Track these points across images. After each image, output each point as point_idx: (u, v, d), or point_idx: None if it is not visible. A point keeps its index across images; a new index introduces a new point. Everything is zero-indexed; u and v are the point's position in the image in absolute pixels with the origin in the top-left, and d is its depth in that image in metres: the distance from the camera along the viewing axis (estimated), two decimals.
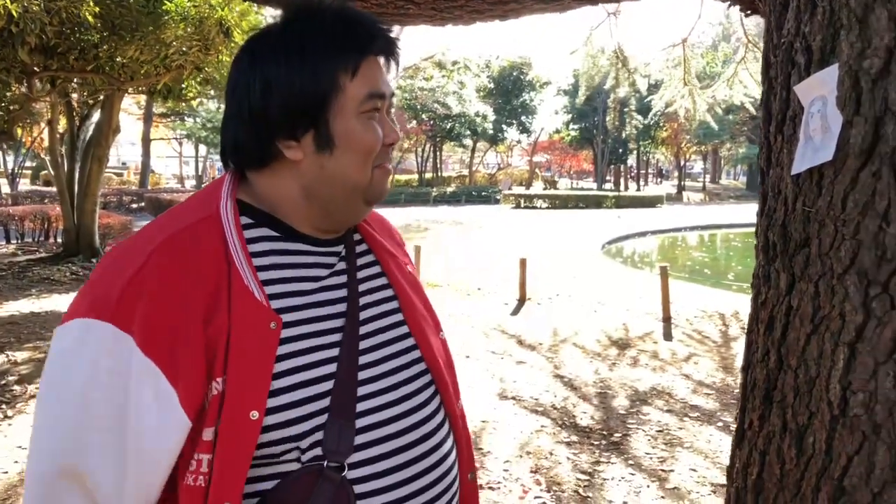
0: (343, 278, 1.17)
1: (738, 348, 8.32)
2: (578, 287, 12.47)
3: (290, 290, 1.09)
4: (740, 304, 10.98)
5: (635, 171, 64.68)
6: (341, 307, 1.14)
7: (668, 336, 8.97)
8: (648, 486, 4.68)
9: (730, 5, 1.88)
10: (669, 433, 5.67)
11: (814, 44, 1.31)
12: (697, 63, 12.14)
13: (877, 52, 1.17)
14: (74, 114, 14.77)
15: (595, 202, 39.32)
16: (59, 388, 0.98)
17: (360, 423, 1.08)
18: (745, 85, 11.07)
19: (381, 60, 1.14)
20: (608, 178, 58.34)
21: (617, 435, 5.60)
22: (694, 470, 4.96)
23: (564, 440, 5.50)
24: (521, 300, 11.20)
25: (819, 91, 1.29)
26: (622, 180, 60.47)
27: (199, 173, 58.20)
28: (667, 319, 9.72)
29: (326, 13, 1.10)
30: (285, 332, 1.05)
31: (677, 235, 27.29)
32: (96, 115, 14.52)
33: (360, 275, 1.21)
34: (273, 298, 1.06)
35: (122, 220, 18.09)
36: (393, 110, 1.20)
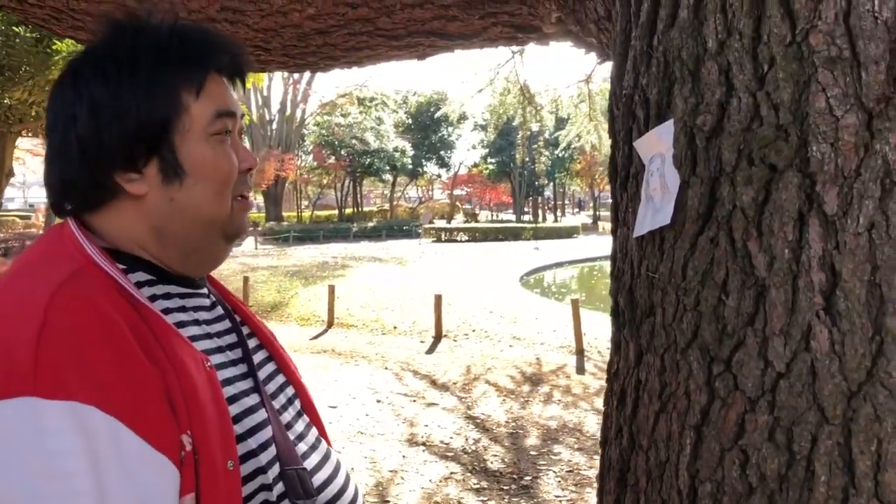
0: (227, 323, 1.07)
1: None
2: (495, 322, 12.42)
3: (195, 333, 0.97)
4: None
5: (552, 203, 65.86)
6: (238, 352, 1.04)
7: (580, 369, 8.97)
8: None
9: (587, 52, 1.81)
10: (579, 473, 5.59)
11: (651, 97, 1.22)
12: (602, 99, 12.39)
13: (709, 107, 1.09)
14: None
15: (514, 234, 39.69)
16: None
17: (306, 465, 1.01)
18: None
19: (229, 82, 1.03)
20: (526, 209, 59.18)
21: (527, 478, 5.48)
22: None
23: (474, 486, 5.35)
24: (437, 337, 11.06)
25: (657, 148, 1.20)
26: (540, 211, 61.44)
27: None
28: (579, 352, 9.74)
29: (160, 26, 0.97)
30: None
31: (594, 265, 27.73)
32: None
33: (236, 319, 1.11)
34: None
35: None
36: (245, 138, 1.08)
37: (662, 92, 1.19)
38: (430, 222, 48.27)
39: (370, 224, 46.36)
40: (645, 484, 1.20)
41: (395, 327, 12.24)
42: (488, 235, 39.33)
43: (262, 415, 0.98)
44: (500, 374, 8.71)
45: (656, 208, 1.19)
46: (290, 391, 1.12)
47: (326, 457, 1.09)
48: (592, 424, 6.74)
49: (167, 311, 0.95)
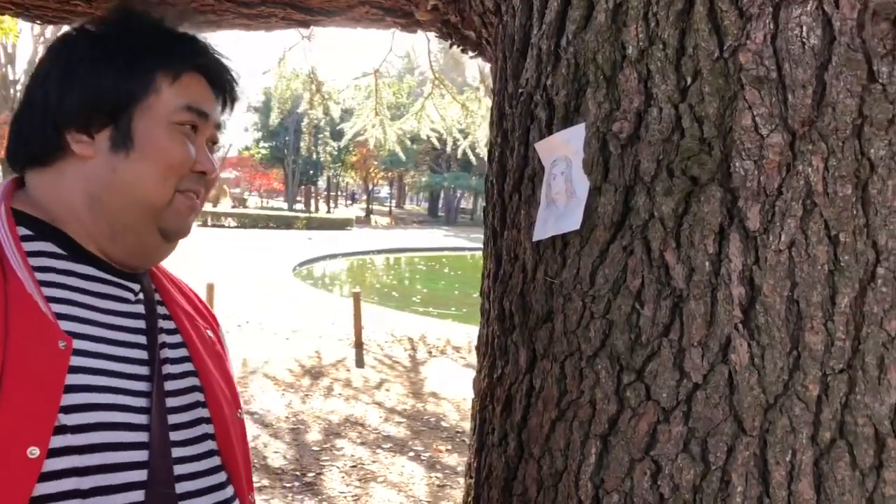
0: (141, 323, 1.00)
1: (427, 372, 8.58)
2: (271, 313, 12.06)
3: (81, 315, 0.92)
4: (427, 327, 11.42)
5: (326, 193, 65.58)
6: (141, 353, 0.97)
7: (360, 363, 8.96)
8: None
9: (451, 44, 1.76)
10: (363, 467, 5.57)
11: (556, 99, 1.19)
12: (386, 93, 12.48)
13: (626, 115, 1.08)
14: None
15: (286, 223, 38.93)
16: None
17: (179, 488, 0.94)
18: (431, 119, 11.63)
19: (211, 89, 1.05)
20: (299, 198, 58.37)
21: (310, 474, 5.35)
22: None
23: (255, 485, 5.12)
24: None
25: (562, 151, 1.18)
26: (313, 201, 60.89)
27: None
28: (359, 345, 9.73)
29: (152, 20, 1.02)
30: (77, 360, 0.86)
31: (367, 258, 27.98)
32: None
33: (162, 326, 1.04)
34: (61, 319, 0.88)
35: None
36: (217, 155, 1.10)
37: (571, 95, 1.17)
38: None
39: None
40: (535, 493, 1.17)
41: None
42: (258, 223, 38.25)
43: (129, 418, 0.90)
44: (279, 368, 8.45)
45: (560, 213, 1.16)
46: (202, 413, 1.03)
47: (214, 489, 1.00)
48: (375, 418, 6.76)
49: (50, 283, 0.91)
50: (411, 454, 5.93)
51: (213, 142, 1.06)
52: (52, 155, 0.96)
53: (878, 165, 0.94)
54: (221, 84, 1.06)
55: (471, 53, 1.68)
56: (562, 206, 1.16)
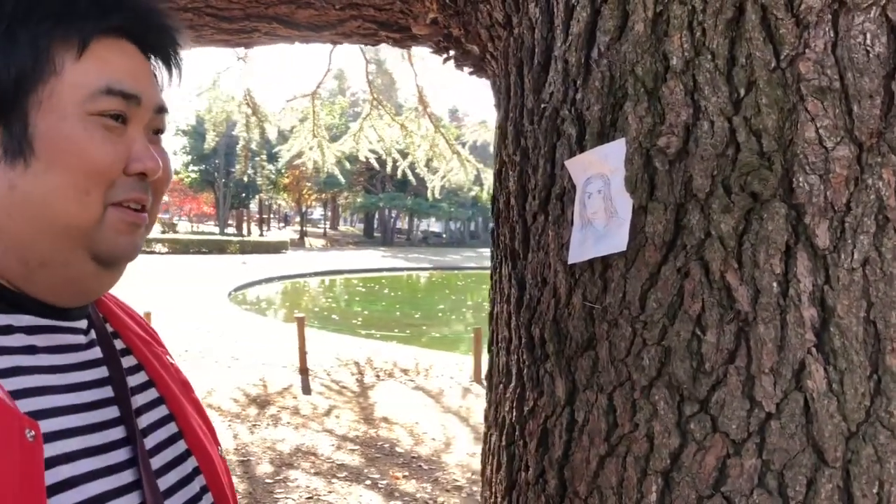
0: (102, 371, 0.77)
1: (376, 397, 8.41)
2: (211, 340, 11.69)
3: (35, 384, 0.68)
4: (372, 350, 11.24)
5: (258, 216, 64.56)
6: (111, 412, 0.75)
7: (306, 389, 8.73)
8: None
9: (446, 59, 1.69)
10: (320, 499, 5.38)
11: (588, 113, 1.13)
12: (324, 115, 12.39)
13: (673, 129, 1.02)
14: None
15: (218, 247, 38.11)
16: None
17: None
18: (370, 140, 11.56)
19: (142, 57, 0.77)
20: (230, 221, 57.28)
21: None
22: None
23: None
24: None
25: (598, 169, 1.11)
26: (245, 224, 59.84)
27: None
28: (304, 371, 9.50)
29: None
30: (50, 449, 0.64)
31: (303, 281, 27.55)
32: None
33: (125, 365, 0.82)
34: (14, 398, 0.64)
35: None
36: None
37: (606, 109, 1.10)
38: None
39: None
40: None
41: None
42: (190, 248, 37.35)
43: (127, 502, 0.72)
44: (223, 397, 8.17)
45: (600, 234, 1.09)
46: (190, 464, 0.84)
47: None
48: (326, 447, 6.57)
49: None
50: (368, 482, 5.77)
51: (157, 130, 0.79)
52: None
53: None
54: (158, 48, 0.79)
55: (468, 69, 1.61)
56: (601, 226, 1.10)
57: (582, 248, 1.12)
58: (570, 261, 1.13)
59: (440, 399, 8.41)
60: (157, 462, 0.78)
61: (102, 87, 0.71)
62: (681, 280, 1.00)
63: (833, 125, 0.93)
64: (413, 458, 6.36)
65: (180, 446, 0.83)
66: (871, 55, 0.92)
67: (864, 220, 0.91)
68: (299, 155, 12.64)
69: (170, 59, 0.80)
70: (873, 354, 0.90)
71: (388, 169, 12.95)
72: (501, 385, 1.36)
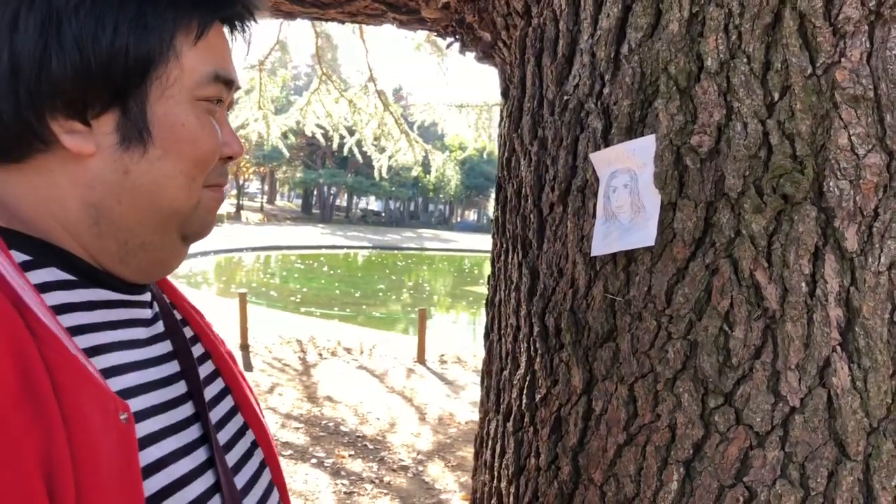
0: (167, 345, 0.77)
1: (319, 375, 8.37)
2: None
3: (118, 362, 0.68)
4: (314, 328, 11.15)
5: None
6: (181, 387, 0.75)
7: (248, 366, 8.62)
8: None
9: (450, 43, 1.68)
10: None
11: (616, 108, 1.14)
12: (271, 87, 12.16)
13: (705, 129, 1.05)
14: None
15: None
16: None
17: None
18: (317, 115, 11.41)
19: (225, 31, 0.77)
20: None
21: None
22: None
23: None
24: None
25: (625, 163, 1.13)
26: None
27: None
28: (245, 347, 9.38)
29: None
30: (138, 430, 0.63)
31: (240, 256, 27.10)
32: None
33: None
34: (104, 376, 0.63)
35: None
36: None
37: (636, 105, 1.12)
38: None
39: None
40: None
41: None
42: None
43: (205, 482, 0.70)
44: None
45: (625, 228, 1.11)
46: (249, 438, 0.83)
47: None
48: (270, 424, 6.50)
49: (81, 328, 0.66)
50: (314, 461, 5.75)
51: (230, 108, 0.82)
52: (29, 148, 0.67)
53: None
54: (242, 27, 0.80)
55: (474, 54, 1.60)
56: (626, 220, 1.12)
57: (606, 241, 1.14)
58: (594, 253, 1.15)
59: (384, 379, 8.41)
60: (222, 438, 0.78)
61: (211, 74, 0.72)
62: (709, 276, 1.03)
63: (865, 133, 0.96)
64: (358, 437, 6.36)
65: (238, 420, 0.83)
66: None
67: (892, 226, 0.95)
68: (243, 126, 12.39)
69: (245, 35, 0.80)
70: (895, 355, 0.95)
71: (335, 145, 12.81)
72: (506, 372, 1.38)
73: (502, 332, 1.43)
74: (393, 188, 55.40)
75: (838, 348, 0.96)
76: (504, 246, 1.44)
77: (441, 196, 62.10)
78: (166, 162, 0.70)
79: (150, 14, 0.67)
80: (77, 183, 0.68)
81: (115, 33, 0.65)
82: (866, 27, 0.97)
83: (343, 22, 1.66)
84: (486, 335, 1.54)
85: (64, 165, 0.67)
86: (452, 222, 70.51)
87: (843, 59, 0.98)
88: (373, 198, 64.25)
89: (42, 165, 0.67)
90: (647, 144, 1.10)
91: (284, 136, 12.17)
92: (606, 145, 1.16)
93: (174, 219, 0.73)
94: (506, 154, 1.46)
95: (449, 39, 1.66)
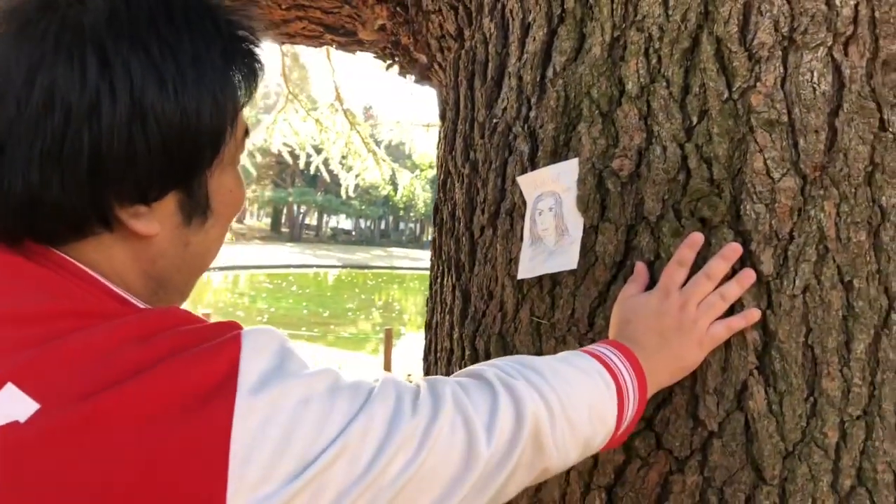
0: None
1: None
2: None
3: None
4: None
5: None
6: None
7: None
8: None
9: (389, 65, 1.68)
10: None
11: (541, 132, 1.14)
12: None
13: (626, 152, 1.05)
14: None
15: None
16: None
17: None
18: (284, 134, 11.36)
19: None
20: None
21: None
22: None
23: None
24: None
25: (550, 187, 1.13)
26: None
27: None
28: None
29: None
30: None
31: (206, 276, 26.80)
32: None
33: None
34: None
35: None
36: None
37: (560, 128, 1.12)
38: None
39: None
40: None
41: None
42: None
43: None
44: None
45: (550, 251, 1.11)
46: None
47: None
48: None
49: None
50: None
51: None
52: (89, 231, 0.64)
53: (890, 213, 0.96)
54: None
55: (412, 77, 1.60)
56: (551, 243, 1.11)
57: (532, 264, 1.13)
58: (520, 276, 1.15)
59: None
60: None
61: (244, 133, 0.74)
62: None
63: (780, 157, 0.97)
64: None
65: None
66: (816, 92, 0.97)
67: (806, 249, 0.96)
68: None
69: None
70: (810, 378, 0.95)
71: (302, 164, 12.77)
72: None
73: (438, 355, 1.41)
74: (363, 207, 55.31)
75: (755, 371, 0.96)
76: (440, 268, 1.43)
77: (412, 214, 62.12)
78: (217, 227, 0.74)
79: (226, 87, 0.67)
80: (138, 259, 0.68)
81: (197, 113, 0.64)
82: (780, 52, 0.98)
83: (283, 42, 1.65)
84: (425, 358, 1.52)
85: (124, 242, 0.67)
86: (423, 240, 70.48)
87: (758, 84, 0.98)
88: (343, 216, 64.06)
89: (101, 243, 0.66)
90: (570, 168, 1.10)
91: (251, 154, 12.10)
92: (533, 168, 1.16)
93: (206, 268, 0.78)
94: (442, 176, 1.45)
95: (389, 62, 1.65)
